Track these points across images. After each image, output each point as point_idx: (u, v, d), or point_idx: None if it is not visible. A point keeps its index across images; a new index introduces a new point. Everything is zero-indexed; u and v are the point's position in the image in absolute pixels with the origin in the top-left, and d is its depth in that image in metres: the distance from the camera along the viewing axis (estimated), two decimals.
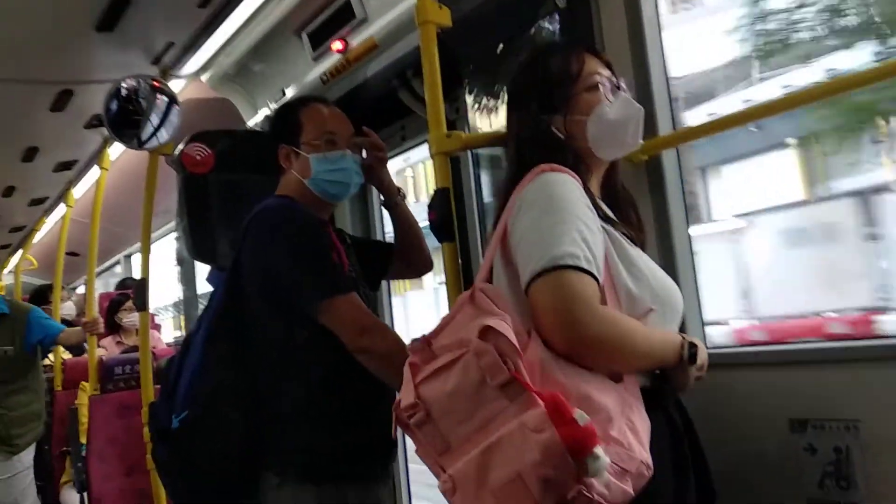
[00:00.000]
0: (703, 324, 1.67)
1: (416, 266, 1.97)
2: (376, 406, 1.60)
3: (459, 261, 1.54)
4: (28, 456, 3.60)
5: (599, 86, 1.31)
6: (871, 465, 1.31)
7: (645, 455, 1.04)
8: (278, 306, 1.59)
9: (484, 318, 1.03)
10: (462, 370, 1.01)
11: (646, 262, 1.25)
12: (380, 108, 1.83)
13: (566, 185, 1.19)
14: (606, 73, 1.34)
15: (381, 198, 1.92)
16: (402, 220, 1.91)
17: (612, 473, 0.96)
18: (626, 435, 1.03)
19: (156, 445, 1.67)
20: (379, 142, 1.83)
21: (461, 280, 1.53)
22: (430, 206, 1.54)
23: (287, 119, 1.75)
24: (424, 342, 1.09)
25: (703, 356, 1.21)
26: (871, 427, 1.31)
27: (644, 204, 1.56)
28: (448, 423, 1.03)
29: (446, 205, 1.51)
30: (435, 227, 1.53)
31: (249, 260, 1.61)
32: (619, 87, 1.34)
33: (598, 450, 0.93)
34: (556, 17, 1.88)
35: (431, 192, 1.56)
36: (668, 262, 1.61)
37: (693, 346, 1.19)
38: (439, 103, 1.53)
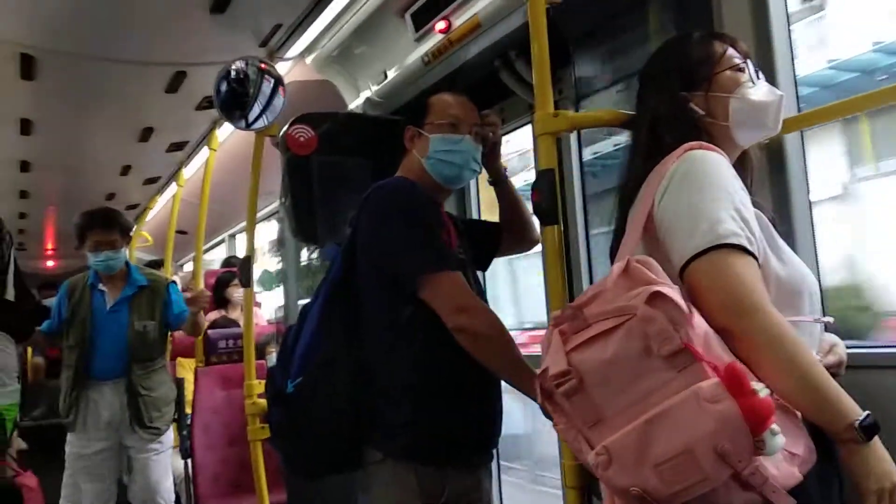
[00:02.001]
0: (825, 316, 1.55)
1: (525, 241, 2.00)
2: (482, 390, 1.61)
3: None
4: (169, 435, 3.38)
5: (745, 67, 1.27)
6: None
7: (808, 439, 0.99)
8: (386, 280, 1.61)
9: (649, 285, 0.98)
10: (624, 337, 0.96)
11: (788, 248, 1.20)
12: (480, 90, 1.80)
13: (720, 164, 1.15)
14: (751, 62, 1.30)
15: (489, 176, 1.96)
16: (510, 196, 1.97)
17: (781, 456, 0.92)
18: (788, 419, 0.98)
19: (270, 408, 1.74)
20: (495, 120, 1.88)
21: (563, 263, 1.48)
22: (533, 188, 1.50)
23: (417, 104, 1.83)
24: (576, 309, 1.04)
25: (883, 461, 0.99)
26: None
27: (763, 190, 1.46)
28: (603, 392, 0.98)
29: (551, 187, 1.46)
30: (538, 209, 1.49)
31: (363, 233, 1.65)
32: (759, 76, 1.30)
33: (776, 426, 0.88)
34: None
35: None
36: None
37: (871, 424, 0.98)
38: (547, 82, 1.49)
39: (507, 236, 1.98)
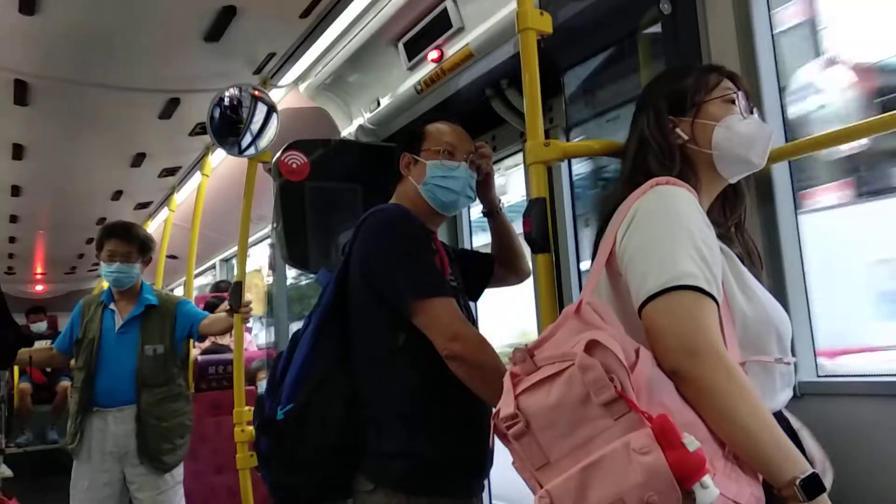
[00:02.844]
0: (815, 354, 1.55)
1: (516, 273, 2.01)
2: (474, 419, 1.59)
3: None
4: (179, 470, 3.12)
5: (736, 99, 1.27)
6: None
7: (757, 488, 0.98)
8: (380, 305, 1.61)
9: (591, 331, 0.99)
10: (566, 384, 0.97)
11: (759, 285, 1.19)
12: (472, 118, 1.82)
13: (684, 200, 1.14)
14: (744, 95, 1.31)
15: (483, 208, 1.98)
16: (503, 228, 1.98)
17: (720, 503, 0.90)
18: (735, 467, 0.97)
19: (259, 437, 1.71)
20: (488, 152, 1.91)
21: (555, 292, 1.49)
22: (525, 217, 1.51)
23: (412, 131, 1.85)
24: (527, 352, 1.05)
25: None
26: None
27: (751, 222, 1.47)
28: (548, 436, 0.99)
29: (543, 215, 1.47)
30: (530, 238, 1.49)
31: (357, 258, 1.65)
32: (751, 111, 1.30)
33: (708, 479, 0.88)
34: (660, 24, 1.82)
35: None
36: (778, 286, 1.52)
37: (814, 483, 0.97)
38: (538, 111, 1.50)
39: (499, 267, 1.99)
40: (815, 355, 1.55)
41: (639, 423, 0.91)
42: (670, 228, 1.10)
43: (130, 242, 3.11)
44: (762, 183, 1.57)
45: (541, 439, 0.99)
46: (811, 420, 1.26)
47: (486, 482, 1.76)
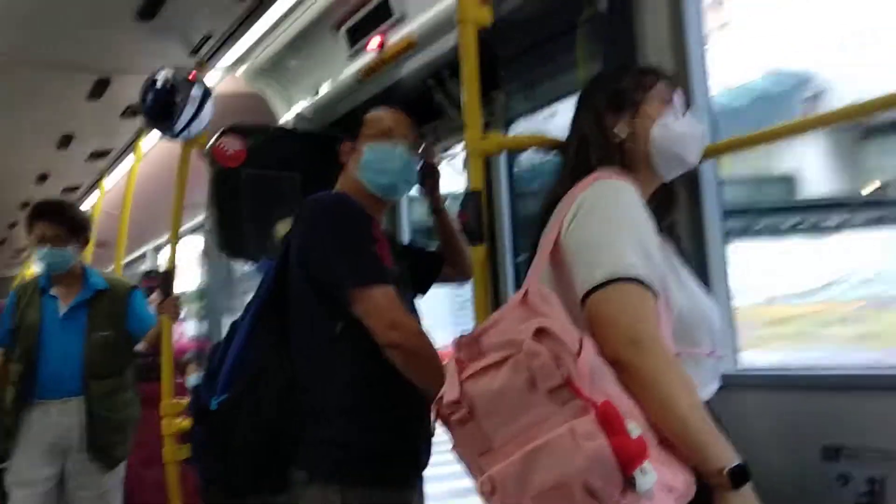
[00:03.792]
0: (735, 349, 1.62)
1: (462, 271, 2.00)
2: (412, 409, 1.59)
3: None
4: (122, 467, 2.93)
5: (673, 100, 1.31)
6: None
7: (688, 474, 1.01)
8: (318, 294, 1.59)
9: (538, 319, 0.99)
10: (511, 370, 0.98)
11: (692, 280, 1.23)
12: (413, 109, 1.82)
13: (627, 193, 1.17)
14: (679, 97, 1.34)
15: (429, 205, 1.97)
16: (448, 226, 1.97)
17: (657, 489, 0.92)
18: (669, 454, 1.00)
19: (193, 427, 1.69)
20: (434, 158, 1.92)
21: (489, 283, 1.50)
22: (461, 208, 1.52)
23: (354, 121, 1.83)
24: (472, 338, 1.05)
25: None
26: None
27: (680, 217, 1.52)
28: (491, 422, 0.99)
29: (478, 207, 1.48)
30: (466, 228, 1.51)
31: (296, 245, 1.63)
32: (686, 112, 1.34)
33: (648, 465, 0.90)
34: (598, 22, 1.85)
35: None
36: (703, 282, 1.56)
37: (741, 473, 1.01)
38: (476, 104, 1.51)
39: (446, 266, 1.98)
40: (734, 349, 1.61)
41: (583, 409, 0.93)
42: (615, 221, 1.13)
43: (61, 224, 2.82)
44: (689, 180, 1.61)
45: (484, 425, 1.00)
46: (730, 410, 1.31)
47: (422, 474, 1.75)
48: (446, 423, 1.05)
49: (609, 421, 0.91)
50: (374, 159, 1.73)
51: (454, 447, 1.07)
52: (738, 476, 1.00)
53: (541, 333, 0.97)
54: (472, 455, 1.03)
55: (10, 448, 2.76)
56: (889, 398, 1.31)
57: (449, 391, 1.03)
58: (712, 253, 1.61)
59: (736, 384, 1.46)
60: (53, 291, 2.88)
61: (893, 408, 1.29)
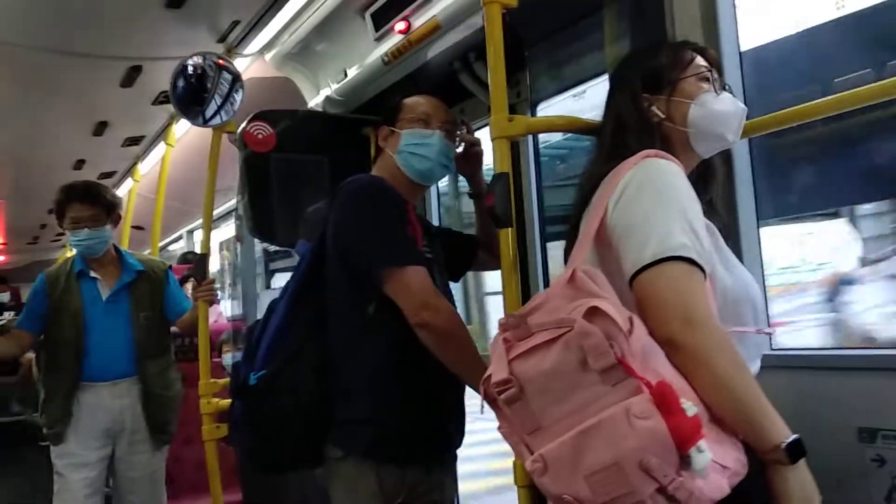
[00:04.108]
0: (770, 324, 1.60)
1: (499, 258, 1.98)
2: (444, 389, 1.62)
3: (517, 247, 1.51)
4: (166, 449, 2.96)
5: (709, 77, 1.29)
6: None
7: (740, 452, 1.01)
8: (352, 274, 1.62)
9: (588, 299, 0.99)
10: (562, 349, 0.98)
11: (736, 259, 1.23)
12: (440, 91, 1.81)
13: (675, 174, 1.16)
14: (716, 71, 1.32)
15: (469, 189, 1.97)
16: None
17: (710, 467, 0.93)
18: (721, 432, 1.01)
19: (233, 402, 1.74)
20: (474, 137, 1.90)
21: (517, 266, 1.50)
22: (488, 191, 1.51)
23: (391, 105, 1.84)
24: (520, 318, 1.05)
25: (805, 484, 1.04)
26: None
27: (716, 195, 1.49)
28: (541, 401, 1.00)
29: (505, 190, 1.48)
30: (493, 212, 1.50)
31: (331, 226, 1.66)
32: (724, 88, 1.31)
33: (703, 443, 0.91)
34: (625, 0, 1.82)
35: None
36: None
37: (797, 447, 1.02)
38: (502, 86, 1.50)
39: (482, 251, 1.97)
40: (769, 327, 1.59)
41: (637, 389, 0.93)
42: (664, 201, 1.12)
43: (95, 204, 2.79)
44: (724, 160, 1.58)
45: (534, 404, 1.00)
46: (764, 391, 1.30)
47: (455, 453, 1.77)
48: (493, 402, 1.05)
49: (665, 400, 0.91)
50: (413, 144, 1.74)
51: (501, 426, 1.07)
52: (795, 451, 1.01)
53: (593, 313, 0.96)
54: (520, 434, 1.03)
55: (61, 432, 2.75)
56: None
57: (497, 370, 1.04)
58: (745, 231, 1.59)
59: (770, 364, 1.44)
60: (94, 274, 2.85)
61: None
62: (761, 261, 1.61)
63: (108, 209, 2.84)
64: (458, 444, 1.75)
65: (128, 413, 2.80)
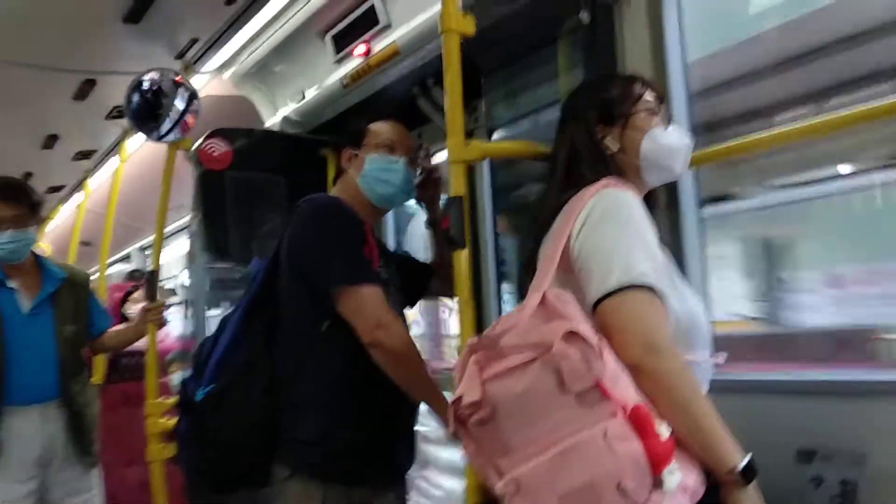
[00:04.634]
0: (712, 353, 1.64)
1: (451, 285, 1.97)
2: (395, 410, 1.62)
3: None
4: (98, 468, 2.70)
5: (658, 112, 1.34)
6: (877, 499, 1.29)
7: (699, 473, 1.04)
8: (306, 291, 1.61)
9: (561, 322, 1.01)
10: (539, 371, 0.99)
11: (686, 286, 1.27)
12: (399, 115, 1.84)
13: (634, 203, 1.20)
14: (664, 108, 1.38)
15: (426, 218, 1.94)
16: (443, 239, 1.95)
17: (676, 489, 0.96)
18: (682, 454, 1.03)
19: (180, 418, 1.71)
20: (433, 165, 1.89)
21: (472, 288, 1.52)
22: (443, 214, 1.54)
23: (355, 127, 1.84)
24: (491, 340, 1.06)
25: (756, 501, 1.07)
26: (879, 460, 1.29)
27: (659, 223, 1.54)
28: (513, 424, 1.01)
29: (461, 213, 1.50)
30: (448, 235, 1.52)
31: (287, 244, 1.65)
32: (670, 121, 1.37)
33: (674, 465, 0.94)
34: (579, 33, 1.88)
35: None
36: None
37: (751, 469, 1.06)
38: (459, 111, 1.53)
39: (437, 280, 1.96)
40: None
41: (614, 412, 0.95)
42: (626, 230, 1.15)
43: (20, 203, 2.48)
44: (668, 188, 1.64)
45: (505, 426, 1.01)
46: None
47: (405, 475, 1.76)
48: (463, 423, 1.06)
49: (641, 423, 0.94)
50: (378, 169, 1.75)
51: (467, 448, 1.08)
52: (748, 473, 1.05)
53: (571, 336, 0.98)
54: (489, 456, 1.04)
55: None
56: (861, 403, 1.35)
57: (469, 391, 1.04)
58: (690, 259, 1.65)
59: (713, 388, 1.49)
60: (12, 284, 2.53)
61: (866, 412, 1.33)
62: (705, 289, 1.66)
63: (33, 208, 2.54)
64: (409, 466, 1.75)
65: (59, 438, 2.52)
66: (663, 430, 0.95)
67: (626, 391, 1.01)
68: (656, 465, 0.93)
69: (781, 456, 1.40)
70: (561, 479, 0.96)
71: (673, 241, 1.63)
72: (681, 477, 0.95)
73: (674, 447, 0.96)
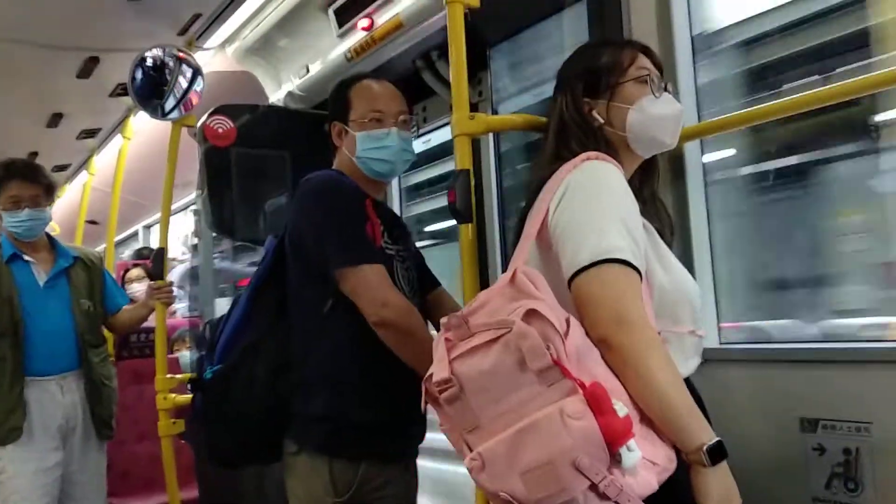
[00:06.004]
0: (719, 323, 1.66)
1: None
2: (400, 385, 1.61)
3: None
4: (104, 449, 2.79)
5: (648, 80, 1.30)
6: (879, 468, 1.30)
7: (669, 450, 1.04)
8: (310, 271, 1.62)
9: (527, 300, 1.02)
10: (501, 350, 1.00)
11: (675, 259, 1.26)
12: (403, 88, 1.82)
13: (613, 175, 1.19)
14: (657, 72, 1.34)
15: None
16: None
17: (640, 464, 0.97)
18: (650, 431, 1.04)
19: (193, 397, 1.75)
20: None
21: (478, 262, 1.53)
22: (449, 188, 1.54)
23: (338, 97, 1.77)
24: (461, 319, 1.07)
25: (724, 485, 1.06)
26: (881, 429, 1.30)
27: (663, 196, 1.54)
28: (480, 401, 1.02)
29: (466, 187, 1.50)
30: (454, 208, 1.53)
31: (290, 224, 1.65)
32: (665, 88, 1.33)
33: (633, 442, 0.94)
34: (584, 1, 1.86)
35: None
36: (687, 259, 1.60)
37: (718, 450, 1.04)
38: (464, 84, 1.52)
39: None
40: (718, 325, 1.65)
41: (572, 389, 0.96)
42: (601, 203, 1.15)
43: (37, 183, 2.62)
44: (675, 159, 1.64)
45: (473, 403, 1.03)
46: (712, 384, 1.35)
47: (414, 449, 1.77)
48: (435, 400, 1.07)
49: (597, 401, 0.94)
50: (370, 148, 1.70)
51: (442, 424, 1.09)
52: (715, 453, 1.04)
53: (531, 315, 0.99)
54: (460, 432, 1.05)
55: (9, 434, 2.46)
56: (864, 371, 1.35)
57: (438, 370, 1.05)
58: (696, 231, 1.65)
59: (718, 358, 1.50)
60: (28, 257, 2.64)
61: (868, 381, 1.34)
62: (711, 260, 1.66)
63: (48, 189, 2.68)
64: (419, 441, 1.76)
65: (79, 409, 2.61)
66: (620, 408, 0.95)
67: (594, 368, 1.02)
68: (613, 441, 0.93)
69: (785, 424, 1.42)
70: (521, 455, 0.97)
71: (679, 213, 1.63)
72: (640, 455, 0.95)
73: (631, 424, 0.96)
